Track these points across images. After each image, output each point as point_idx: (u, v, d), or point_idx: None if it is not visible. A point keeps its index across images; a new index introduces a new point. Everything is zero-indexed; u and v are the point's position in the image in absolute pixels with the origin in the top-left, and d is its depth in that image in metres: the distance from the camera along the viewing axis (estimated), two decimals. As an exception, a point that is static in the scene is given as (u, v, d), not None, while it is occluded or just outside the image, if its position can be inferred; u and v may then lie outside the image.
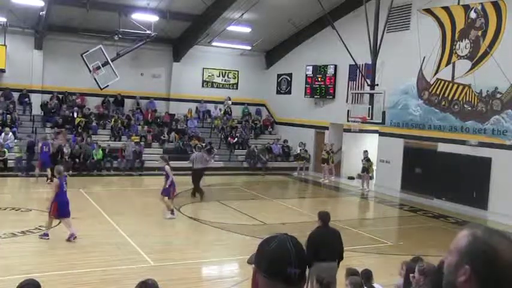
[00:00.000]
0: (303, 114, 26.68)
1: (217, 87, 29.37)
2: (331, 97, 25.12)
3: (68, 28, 24.25)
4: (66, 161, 21.35)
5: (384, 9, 19.66)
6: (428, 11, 19.47)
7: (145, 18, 23.00)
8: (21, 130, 23.17)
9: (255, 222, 15.00)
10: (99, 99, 26.33)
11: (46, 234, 11.84)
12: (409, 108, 20.41)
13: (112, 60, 23.50)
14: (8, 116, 23.41)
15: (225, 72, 29.62)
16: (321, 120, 25.43)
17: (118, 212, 15.08)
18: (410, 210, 18.15)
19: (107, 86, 23.68)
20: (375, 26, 19.65)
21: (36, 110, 24.90)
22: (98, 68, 23.26)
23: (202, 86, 29.08)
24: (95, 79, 23.32)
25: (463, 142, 18.29)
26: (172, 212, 14.67)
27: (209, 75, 29.27)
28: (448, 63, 19.06)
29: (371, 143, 23.01)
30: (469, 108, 18.23)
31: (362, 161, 21.62)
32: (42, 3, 21.31)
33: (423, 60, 19.63)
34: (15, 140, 22.08)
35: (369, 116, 19.76)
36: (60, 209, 11.72)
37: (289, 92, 28.43)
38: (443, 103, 19.19)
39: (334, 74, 24.85)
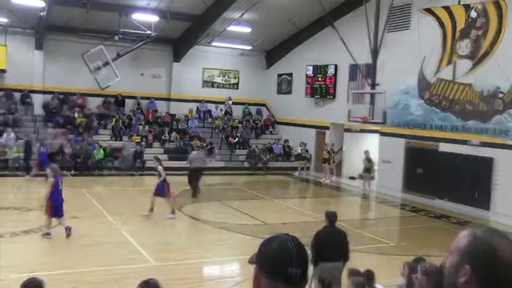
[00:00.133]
0: (303, 114, 26.68)
1: (217, 87, 29.39)
2: (331, 97, 25.11)
3: (69, 28, 24.29)
4: (67, 161, 21.42)
5: (384, 9, 19.71)
6: (429, 10, 19.42)
7: (145, 18, 23.00)
8: (23, 130, 23.18)
9: (256, 222, 15.00)
10: (100, 100, 26.35)
11: (48, 234, 11.86)
12: (410, 108, 20.34)
13: (113, 61, 23.51)
14: (10, 116, 23.44)
15: (226, 72, 29.64)
16: (322, 120, 25.42)
17: (119, 212, 15.09)
18: (412, 211, 18.11)
19: (108, 86, 23.68)
20: (375, 26, 19.71)
21: (38, 110, 24.93)
22: (99, 68, 23.26)
23: (203, 86, 29.10)
24: (95, 79, 23.32)
25: (464, 142, 18.23)
26: (173, 212, 14.68)
27: (209, 75, 29.28)
28: (448, 63, 19.02)
29: (372, 143, 22.98)
30: (470, 108, 18.20)
31: (363, 161, 21.59)
32: (42, 4, 21.32)
33: (424, 60, 19.57)
34: (17, 140, 22.10)
35: (369, 116, 19.78)
36: (54, 207, 11.74)
37: (290, 92, 28.44)
38: (444, 103, 19.15)
39: (335, 74, 24.83)
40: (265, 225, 14.43)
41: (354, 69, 22.98)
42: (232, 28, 24.62)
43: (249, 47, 28.16)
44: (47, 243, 11.70)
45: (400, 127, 20.69)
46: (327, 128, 25.39)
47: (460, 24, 18.60)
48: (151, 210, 14.38)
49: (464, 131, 18.38)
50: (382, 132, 21.80)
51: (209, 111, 28.66)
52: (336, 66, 24.69)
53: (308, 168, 25.86)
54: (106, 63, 23.40)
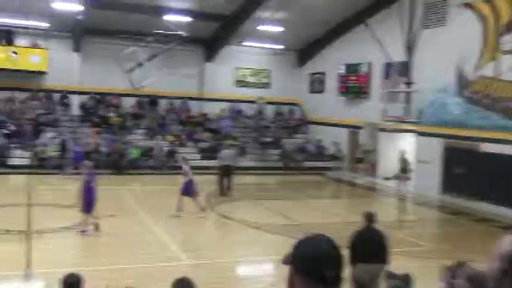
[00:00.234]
0: (336, 113, 26.46)
1: (249, 87, 29.42)
2: (365, 96, 24.85)
3: (104, 31, 24.80)
4: (103, 160, 21.82)
5: (418, 6, 19.37)
6: (468, 5, 18.72)
7: (177, 19, 23.23)
8: (62, 130, 23.73)
9: (289, 222, 14.96)
10: (134, 100, 26.75)
11: (85, 230, 12.12)
12: (448, 107, 19.60)
13: (146, 61, 23.83)
14: (49, 116, 24.06)
15: (258, 72, 29.66)
16: (355, 119, 25.14)
17: (153, 211, 15.27)
18: (450, 213, 17.59)
19: (142, 86, 24.02)
20: (409, 23, 19.41)
21: (75, 110, 25.50)
22: (133, 69, 23.63)
23: (235, 85, 29.17)
24: (130, 80, 23.69)
25: (508, 142, 17.32)
26: (203, 210, 14.71)
27: (241, 75, 29.35)
28: (491, 59, 18.11)
29: (408, 143, 22.54)
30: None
31: (399, 161, 21.18)
32: (80, 8, 21.80)
33: (462, 56, 19.00)
34: (56, 140, 22.65)
35: (404, 115, 19.45)
36: (86, 204, 12.04)
37: (322, 91, 28.26)
38: (485, 101, 18.25)
39: (368, 73, 24.56)
40: (299, 225, 14.36)
41: (388, 67, 22.66)
42: (263, 27, 24.62)
43: (281, 46, 28.12)
44: (84, 240, 11.96)
45: (437, 126, 20.06)
46: (361, 127, 25.12)
47: (504, 18, 17.73)
48: (180, 209, 14.49)
49: (508, 131, 17.46)
50: (418, 132, 21.21)
51: (241, 111, 28.74)
52: (369, 64, 24.41)
53: (341, 168, 25.63)
54: (140, 64, 23.75)
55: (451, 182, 19.64)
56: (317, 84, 28.76)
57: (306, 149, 26.78)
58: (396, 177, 21.67)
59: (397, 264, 8.05)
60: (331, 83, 26.97)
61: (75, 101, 25.66)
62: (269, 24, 24.31)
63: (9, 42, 24.18)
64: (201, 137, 25.93)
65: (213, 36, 27.10)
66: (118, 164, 22.42)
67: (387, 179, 22.93)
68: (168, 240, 12.18)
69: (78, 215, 12.39)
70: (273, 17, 23.43)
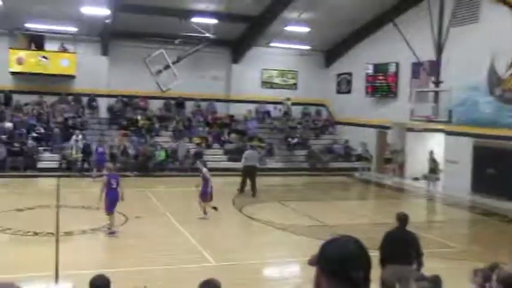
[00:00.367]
0: (364, 114, 26.14)
1: (276, 88, 29.32)
2: (393, 96, 24.50)
3: (131, 34, 25.06)
4: (130, 162, 22.01)
5: (448, 3, 18.96)
6: (501, 0, 18.21)
7: (204, 21, 23.30)
8: (90, 133, 24.04)
9: (316, 223, 14.82)
10: (161, 102, 26.92)
11: (113, 232, 12.20)
12: (479, 106, 19.12)
13: (173, 64, 23.94)
14: (78, 119, 24.40)
15: (284, 73, 29.55)
16: (383, 119, 24.79)
17: (180, 212, 15.30)
18: (482, 214, 17.18)
19: (169, 89, 24.13)
20: (439, 21, 19.00)
21: (103, 113, 25.79)
22: (160, 71, 23.76)
23: (262, 86, 29.11)
24: (157, 82, 23.84)
25: None
26: (205, 212, 14.50)
27: (268, 76, 29.28)
28: None
29: (437, 143, 22.16)
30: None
31: (428, 161, 20.84)
32: (108, 12, 22.08)
33: (494, 54, 18.49)
34: (79, 143, 22.91)
35: (433, 115, 19.07)
36: (109, 205, 12.18)
37: (350, 91, 27.98)
38: None
39: (396, 72, 24.21)
40: (326, 227, 14.21)
41: (416, 66, 22.27)
42: (290, 28, 24.53)
43: (308, 47, 27.95)
44: (111, 241, 12.03)
45: (468, 125, 19.61)
46: (388, 127, 24.77)
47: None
48: (205, 212, 14.44)
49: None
50: (447, 132, 20.83)
51: (268, 112, 28.66)
52: (397, 64, 24.06)
53: (369, 169, 25.31)
54: (167, 67, 23.86)
55: (482, 182, 19.19)
56: (344, 85, 28.50)
57: (333, 149, 26.56)
58: (425, 177, 21.36)
59: (426, 265, 7.86)
60: (358, 83, 26.69)
61: (103, 104, 25.99)
62: (296, 25, 24.23)
63: (39, 47, 24.62)
64: (227, 138, 25.93)
65: (239, 38, 27.11)
66: (145, 166, 22.58)
67: (416, 179, 22.60)
68: (194, 241, 12.17)
69: (105, 217, 12.48)
70: (299, 18, 23.33)
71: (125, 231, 12.68)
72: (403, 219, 7.94)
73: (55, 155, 22.26)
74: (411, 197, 20.72)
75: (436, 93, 19.30)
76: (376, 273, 7.06)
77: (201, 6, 23.01)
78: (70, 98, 25.60)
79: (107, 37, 25.19)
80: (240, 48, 27.64)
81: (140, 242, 11.99)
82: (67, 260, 10.13)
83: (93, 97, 25.80)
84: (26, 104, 24.69)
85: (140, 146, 23.43)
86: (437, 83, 19.34)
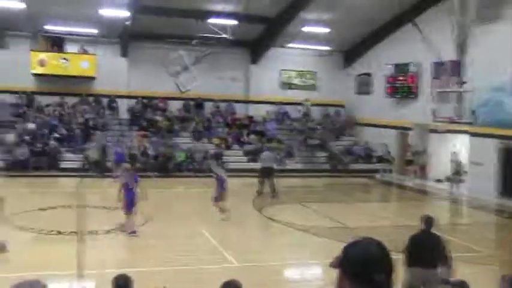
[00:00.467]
0: (384, 115, 25.89)
1: (295, 89, 29.21)
2: (413, 96, 24.22)
3: (151, 35, 25.18)
4: (150, 163, 22.10)
5: (471, 1, 18.66)
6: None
7: (223, 22, 23.33)
8: (110, 133, 24.21)
9: (337, 225, 14.70)
10: (181, 103, 27.00)
11: (133, 232, 12.25)
12: (504, 106, 18.48)
13: (191, 65, 24.02)
14: (99, 120, 24.60)
15: (303, 74, 29.43)
16: (404, 120, 24.50)
17: (200, 213, 15.30)
18: (508, 217, 16.79)
19: (188, 89, 24.23)
20: (461, 20, 18.75)
21: (123, 114, 25.96)
22: (179, 72, 23.85)
23: (280, 87, 29.03)
24: (176, 83, 23.94)
25: None
26: (223, 213, 14.46)
27: (287, 77, 29.18)
28: None
29: (460, 144, 21.78)
30: None
31: (451, 163, 20.47)
32: (127, 14, 22.23)
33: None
34: (96, 143, 23.05)
35: (456, 116, 18.80)
36: (127, 205, 12.26)
37: (369, 92, 27.75)
38: None
39: (417, 72, 23.92)
40: (347, 229, 14.10)
41: (437, 66, 21.98)
42: (308, 29, 24.43)
43: (327, 47, 27.80)
44: (133, 241, 12.07)
45: (492, 127, 19.02)
46: (409, 128, 24.48)
47: None
48: (224, 211, 14.40)
49: None
50: (471, 133, 20.33)
51: (287, 113, 28.58)
52: (418, 64, 23.77)
53: (390, 171, 25.04)
54: (185, 68, 23.96)
55: (509, 185, 18.73)
56: (364, 85, 28.27)
57: (353, 151, 26.36)
58: (448, 179, 20.97)
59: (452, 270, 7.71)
60: (378, 84, 26.45)
61: (123, 105, 26.14)
62: (314, 25, 24.13)
63: (60, 49, 24.87)
64: (246, 139, 25.91)
65: (258, 39, 27.08)
66: (165, 167, 22.66)
67: (439, 181, 22.25)
68: (215, 242, 12.15)
69: (125, 217, 12.52)
70: (318, 18, 23.24)
71: (145, 232, 12.72)
72: (428, 221, 7.82)
73: (77, 155, 22.44)
74: (434, 199, 20.38)
75: (459, 93, 19.05)
76: (399, 276, 6.95)
77: (219, 8, 23.05)
78: (90, 99, 25.82)
79: (126, 39, 25.37)
80: (258, 49, 27.60)
81: (161, 243, 12.01)
82: (90, 259, 10.16)
83: (113, 98, 25.99)
84: (48, 105, 24.97)
85: (160, 146, 23.52)
86: (461, 83, 19.06)
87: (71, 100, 25.49)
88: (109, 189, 19.39)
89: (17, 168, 21.06)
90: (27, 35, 24.44)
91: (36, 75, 24.57)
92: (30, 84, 24.86)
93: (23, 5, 20.99)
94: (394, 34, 25.36)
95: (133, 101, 26.35)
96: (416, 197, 20.92)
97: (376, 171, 24.97)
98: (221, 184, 14.27)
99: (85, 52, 25.06)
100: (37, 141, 22.44)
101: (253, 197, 18.03)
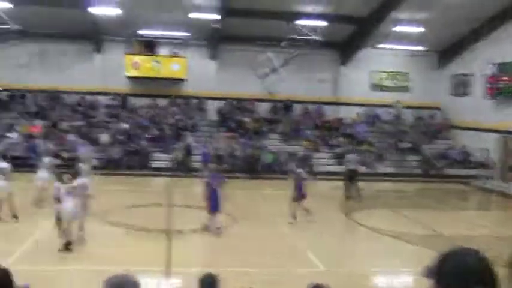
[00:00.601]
0: (484, 117, 24.31)
1: (386, 91, 28.34)
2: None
3: (239, 38, 25.43)
4: (238, 165, 22.23)
5: None
6: None
7: (311, 23, 23.07)
8: (200, 135, 24.66)
9: (430, 232, 13.91)
10: (269, 105, 27.00)
11: (218, 230, 12.29)
12: None
13: (280, 67, 23.92)
14: (188, 121, 25.15)
15: (394, 75, 28.49)
16: (507, 123, 22.77)
17: (287, 215, 15.04)
18: None
19: (276, 91, 24.16)
20: None
21: (212, 116, 26.36)
22: (267, 74, 23.84)
23: (371, 89, 28.28)
24: (264, 85, 23.94)
25: None
26: (294, 217, 14.08)
27: (378, 78, 28.37)
28: None
29: None
30: None
31: None
32: (216, 17, 22.56)
33: None
34: (195, 144, 23.52)
35: None
36: (212, 205, 12.31)
37: (467, 93, 26.26)
38: None
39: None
40: (441, 237, 13.31)
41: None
42: (401, 28, 23.56)
43: (420, 48, 26.70)
44: (219, 241, 12.08)
45: None
46: (514, 132, 22.77)
47: None
48: (307, 210, 14.04)
49: None
50: None
51: (378, 116, 27.74)
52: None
53: (491, 177, 23.40)
54: (274, 70, 23.91)
55: None
56: (460, 87, 26.81)
57: (448, 155, 25.08)
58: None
59: None
60: (477, 85, 24.97)
61: (212, 106, 26.54)
62: (407, 25, 23.27)
63: (153, 52, 25.69)
64: (336, 142, 25.40)
65: (347, 40, 26.55)
66: (253, 169, 22.68)
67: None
68: (301, 245, 11.89)
69: (212, 217, 12.55)
70: (411, 17, 22.38)
71: (231, 232, 12.71)
72: None
73: (167, 155, 23.03)
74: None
75: None
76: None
77: (308, 9, 22.79)
78: (180, 100, 26.46)
79: (216, 41, 25.77)
80: (348, 50, 27.05)
81: (247, 243, 11.92)
82: (177, 257, 10.29)
83: (202, 100, 26.47)
84: (141, 107, 25.88)
85: (248, 148, 23.61)
86: None
87: (162, 102, 26.27)
88: (195, 188, 19.73)
89: (111, 166, 21.95)
90: (122, 40, 25.49)
91: (129, 77, 25.58)
92: (124, 86, 25.91)
93: (118, 11, 21.88)
94: (496, 32, 23.80)
95: (222, 102, 26.70)
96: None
97: (473, 177, 23.50)
98: (300, 185, 13.97)
99: (176, 55, 25.72)
100: (130, 141, 23.29)
101: (340, 200, 17.58)
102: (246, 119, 25.85)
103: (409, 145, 25.70)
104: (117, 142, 23.14)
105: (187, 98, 26.56)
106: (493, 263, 1.87)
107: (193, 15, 22.42)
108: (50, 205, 11.63)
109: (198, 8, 22.10)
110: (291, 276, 9.73)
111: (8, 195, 12.65)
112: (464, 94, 26.43)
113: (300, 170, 14.39)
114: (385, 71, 28.36)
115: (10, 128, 23.25)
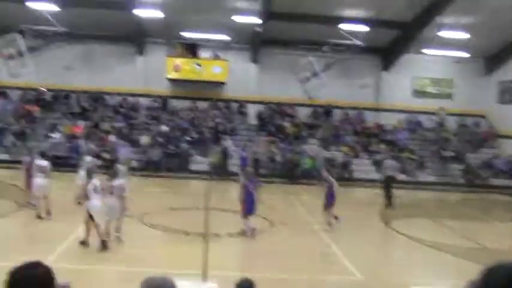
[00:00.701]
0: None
1: (429, 97, 27.80)
2: None
3: (281, 41, 25.41)
4: (277, 169, 22.15)
5: None
6: None
7: (353, 28, 22.83)
8: (239, 138, 24.70)
9: (473, 245, 13.48)
10: (309, 110, 26.86)
11: (252, 233, 12.24)
12: None
13: (321, 71, 23.74)
14: (228, 125, 25.24)
15: (438, 81, 27.91)
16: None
17: (325, 222, 14.86)
18: None
19: (316, 96, 23.98)
20: None
21: (252, 120, 26.38)
22: (308, 79, 23.69)
23: (413, 95, 27.80)
24: (305, 90, 23.80)
25: None
26: (329, 224, 13.86)
27: (420, 85, 27.86)
28: None
29: None
30: None
31: None
32: (258, 20, 22.58)
33: None
34: (233, 148, 23.57)
35: None
36: (246, 208, 12.28)
37: (515, 101, 25.48)
38: None
39: None
40: (485, 250, 12.87)
41: None
42: (445, 34, 23.04)
43: (465, 53, 26.07)
44: (256, 246, 12.02)
45: None
46: None
47: None
48: (336, 217, 13.84)
49: None
50: None
51: (419, 122, 27.22)
52: None
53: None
54: (315, 74, 23.74)
55: None
56: (508, 94, 26.02)
57: (493, 165, 24.38)
58: None
59: None
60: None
61: (252, 110, 26.56)
62: (452, 30, 22.73)
63: (194, 55, 25.91)
64: (376, 148, 25.03)
65: (390, 45, 26.19)
66: (292, 173, 22.56)
67: None
68: (339, 252, 11.70)
69: (244, 220, 12.49)
70: (456, 22, 21.83)
71: (269, 237, 12.64)
72: None
73: (205, 158, 23.15)
74: None
75: None
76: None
77: (351, 13, 22.59)
78: (221, 104, 26.57)
79: (257, 45, 25.81)
80: (390, 56, 26.68)
81: (284, 249, 11.82)
82: (214, 261, 10.25)
83: (242, 103, 26.52)
84: (181, 109, 26.11)
85: (287, 153, 23.50)
86: None
87: (201, 104, 26.44)
88: (232, 192, 19.74)
89: (150, 168, 22.21)
90: (164, 42, 25.81)
91: (170, 80, 25.86)
92: (165, 89, 26.22)
93: (161, 14, 22.17)
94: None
95: (262, 106, 26.68)
96: None
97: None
98: (331, 192, 13.78)
99: (217, 58, 25.86)
100: (170, 144, 23.51)
101: (380, 208, 17.27)
102: (286, 124, 25.76)
103: (452, 153, 25.10)
104: (157, 144, 23.40)
105: (227, 101, 26.68)
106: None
107: (236, 18, 22.52)
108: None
109: (240, 11, 22.19)
110: (327, 283, 9.61)
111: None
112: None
113: (330, 178, 14.19)
114: (428, 77, 27.82)
115: (53, 128, 23.84)
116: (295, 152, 23.68)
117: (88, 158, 16.34)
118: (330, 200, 13.77)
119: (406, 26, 23.92)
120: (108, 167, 14.30)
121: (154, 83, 25.78)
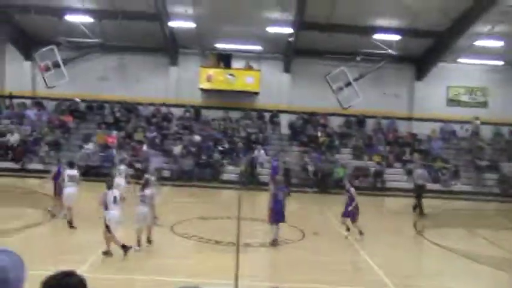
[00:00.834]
0: None
1: (463, 106, 27.35)
2: None
3: (313, 51, 25.40)
4: (309, 179, 22.10)
5: None
6: None
7: (386, 38, 22.68)
8: (271, 148, 24.75)
9: (508, 255, 13.16)
10: (342, 119, 26.73)
11: (275, 242, 12.26)
12: None
13: (354, 81, 23.64)
14: (260, 134, 25.31)
15: (473, 90, 27.44)
16: None
17: (355, 232, 14.75)
18: None
19: (350, 106, 23.88)
20: None
21: (284, 129, 26.38)
22: (341, 88, 23.60)
23: (447, 104, 27.40)
24: (337, 99, 23.72)
25: None
26: (360, 233, 13.75)
27: (455, 94, 27.44)
28: None
29: None
30: None
31: None
32: (291, 31, 22.67)
33: None
34: (266, 157, 23.60)
35: None
36: (274, 215, 12.31)
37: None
38: None
39: None
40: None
41: None
42: (480, 43, 22.69)
43: (501, 62, 25.58)
44: (288, 255, 12.00)
45: None
46: None
47: None
48: (348, 230, 13.79)
49: None
50: None
51: (453, 132, 26.79)
52: None
53: None
54: (348, 84, 23.65)
55: None
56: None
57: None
58: None
59: None
60: None
61: (285, 120, 26.58)
62: (487, 39, 22.38)
63: (227, 66, 26.13)
64: (409, 157, 24.74)
65: (424, 54, 25.93)
66: (324, 183, 22.47)
67: None
68: (372, 263, 11.59)
69: (283, 231, 12.49)
70: (492, 31, 21.49)
71: (301, 247, 12.61)
72: None
73: (238, 168, 23.26)
74: None
75: None
76: None
77: (384, 23, 22.47)
78: (253, 113, 26.67)
79: (290, 55, 25.87)
80: (424, 65, 26.40)
81: (315, 259, 11.76)
82: (245, 271, 10.27)
83: (275, 113, 26.57)
84: (213, 119, 26.31)
85: (319, 162, 23.44)
86: None
87: (234, 114, 26.58)
88: (262, 202, 19.76)
89: (182, 178, 22.40)
90: (197, 53, 26.10)
91: (203, 90, 26.10)
92: (197, 99, 26.46)
93: (193, 25, 22.46)
94: None
95: (295, 116, 26.68)
96: None
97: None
98: (351, 202, 13.70)
99: (250, 68, 26.02)
100: (202, 153, 23.69)
101: (414, 217, 17.06)
102: (318, 133, 25.70)
103: (487, 163, 24.62)
104: (189, 154, 23.62)
105: (260, 111, 26.77)
106: None
107: (269, 28, 22.68)
108: (124, 212, 11.90)
109: (273, 22, 22.32)
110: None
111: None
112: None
113: (352, 189, 14.12)
114: (463, 86, 27.40)
115: (87, 138, 24.27)
116: (328, 162, 23.58)
117: (122, 167, 16.60)
118: (349, 211, 13.68)
119: (440, 35, 23.67)
120: (139, 177, 14.50)
121: (187, 93, 26.07)
